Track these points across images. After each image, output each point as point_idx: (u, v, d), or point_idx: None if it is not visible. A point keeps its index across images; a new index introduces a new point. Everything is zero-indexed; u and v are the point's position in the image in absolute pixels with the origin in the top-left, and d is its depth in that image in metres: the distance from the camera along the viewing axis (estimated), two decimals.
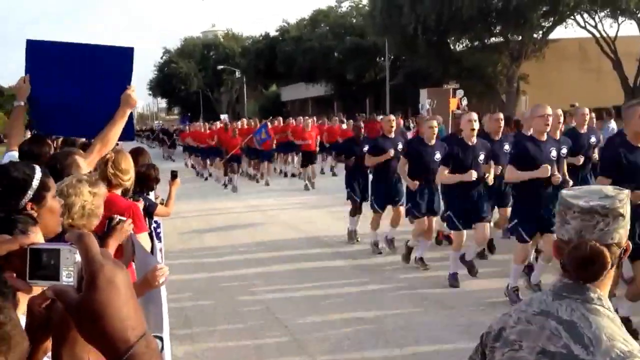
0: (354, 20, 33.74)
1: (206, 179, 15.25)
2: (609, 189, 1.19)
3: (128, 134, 2.72)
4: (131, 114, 2.64)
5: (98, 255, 0.63)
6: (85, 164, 2.35)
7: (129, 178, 2.84)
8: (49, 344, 0.85)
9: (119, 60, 2.65)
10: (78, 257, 0.63)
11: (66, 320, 0.80)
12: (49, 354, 0.82)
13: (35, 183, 1.61)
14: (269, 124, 13.59)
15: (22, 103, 2.67)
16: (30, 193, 1.59)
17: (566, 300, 1.15)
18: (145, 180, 3.74)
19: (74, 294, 0.63)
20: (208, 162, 15.16)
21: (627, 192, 1.19)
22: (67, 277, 0.64)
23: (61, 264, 0.64)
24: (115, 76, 2.62)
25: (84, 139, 3.98)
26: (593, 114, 6.39)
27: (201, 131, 15.93)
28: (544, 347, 1.13)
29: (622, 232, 1.16)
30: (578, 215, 1.15)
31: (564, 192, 1.22)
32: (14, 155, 2.70)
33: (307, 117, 14.34)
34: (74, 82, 2.65)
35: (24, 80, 2.64)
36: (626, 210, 1.17)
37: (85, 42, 2.80)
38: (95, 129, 2.57)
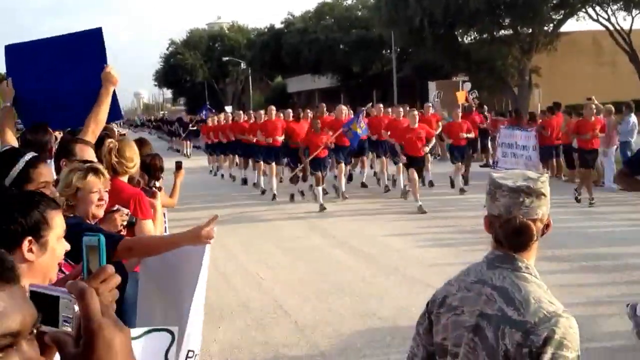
0: (360, 13, 33.46)
1: (222, 175, 13.21)
2: (531, 173, 1.37)
3: (115, 113, 2.75)
4: (115, 92, 2.67)
5: (98, 314, 0.63)
6: (84, 151, 2.39)
7: (133, 165, 2.87)
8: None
9: (90, 43, 2.69)
10: (77, 308, 0.64)
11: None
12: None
13: (21, 164, 1.63)
14: (365, 111, 9.76)
15: (9, 104, 2.73)
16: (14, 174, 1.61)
17: (498, 269, 1.31)
18: (151, 169, 3.69)
19: (72, 347, 0.63)
20: (249, 162, 11.34)
21: (546, 175, 1.38)
22: (65, 323, 0.66)
23: (60, 311, 0.67)
24: (91, 59, 2.65)
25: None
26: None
27: (218, 124, 12.87)
28: (482, 311, 1.28)
29: (544, 210, 1.32)
30: (507, 194, 1.31)
31: (493, 174, 1.39)
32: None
33: (406, 105, 9.96)
34: (54, 75, 2.69)
35: (7, 83, 2.70)
36: (547, 190, 1.33)
37: (56, 35, 2.88)
38: (83, 116, 2.63)
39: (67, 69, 2.68)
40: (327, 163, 8.80)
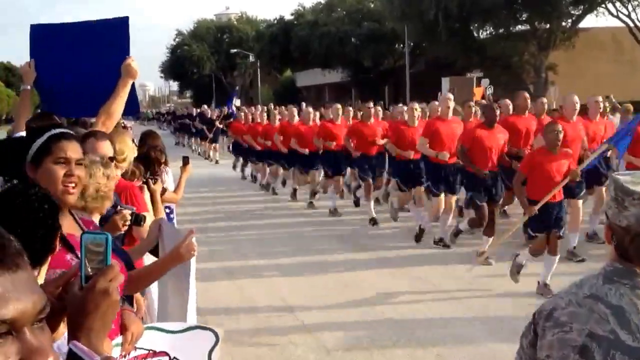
0: (372, 5, 33.12)
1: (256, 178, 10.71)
2: None
3: (132, 107, 2.66)
4: (133, 85, 2.54)
5: None
6: (97, 146, 2.27)
7: (123, 158, 2.78)
8: (57, 333, 0.87)
9: (115, 32, 2.62)
10: None
11: (82, 309, 0.83)
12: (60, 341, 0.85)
13: (44, 137, 1.58)
14: None
15: (28, 87, 2.68)
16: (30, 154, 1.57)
17: (615, 284, 1.17)
18: (151, 163, 3.53)
19: None
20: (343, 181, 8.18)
21: None
22: None
23: None
24: (114, 48, 2.58)
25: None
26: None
27: (242, 122, 10.55)
28: (592, 330, 1.15)
29: None
30: (639, 202, 1.15)
31: (620, 178, 1.22)
32: (23, 135, 2.66)
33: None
34: (77, 61, 2.64)
35: (29, 65, 2.64)
36: None
37: (83, 20, 2.81)
38: (97, 106, 2.55)
39: (88, 56, 2.61)
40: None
